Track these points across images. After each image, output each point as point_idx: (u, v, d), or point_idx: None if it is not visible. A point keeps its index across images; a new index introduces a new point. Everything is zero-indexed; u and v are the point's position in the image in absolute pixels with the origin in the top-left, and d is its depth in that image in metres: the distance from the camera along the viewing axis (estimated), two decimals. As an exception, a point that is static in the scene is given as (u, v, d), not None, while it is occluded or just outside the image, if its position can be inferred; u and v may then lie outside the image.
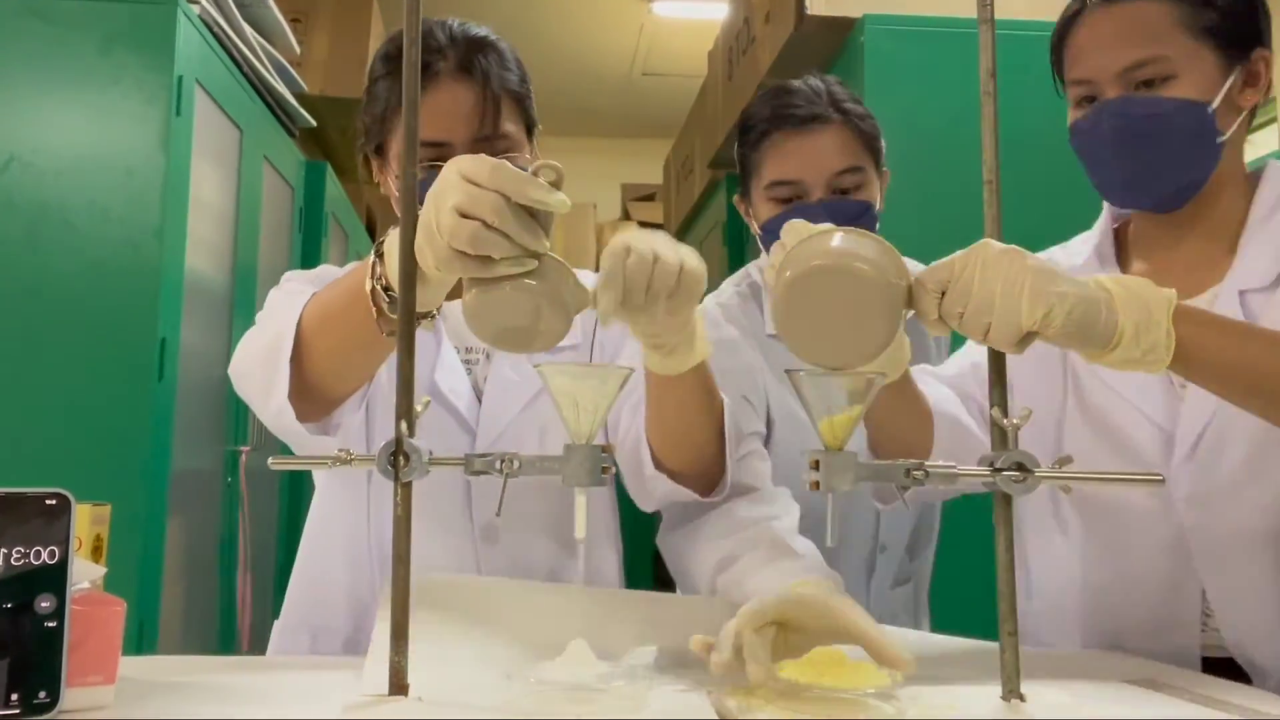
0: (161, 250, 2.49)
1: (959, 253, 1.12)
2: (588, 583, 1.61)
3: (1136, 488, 1.47)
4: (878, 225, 1.77)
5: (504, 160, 1.07)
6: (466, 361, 1.63)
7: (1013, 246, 1.11)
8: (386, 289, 1.20)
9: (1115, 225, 1.66)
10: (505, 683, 1.05)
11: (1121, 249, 1.64)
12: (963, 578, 1.93)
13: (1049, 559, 1.62)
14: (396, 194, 1.58)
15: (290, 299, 1.42)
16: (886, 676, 1.05)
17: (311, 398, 1.37)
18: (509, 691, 1.04)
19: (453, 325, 1.63)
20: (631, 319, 1.21)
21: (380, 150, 1.60)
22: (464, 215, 1.04)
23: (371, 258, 1.23)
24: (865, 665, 1.09)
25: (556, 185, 1.07)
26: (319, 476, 1.67)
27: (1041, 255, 1.15)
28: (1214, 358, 1.21)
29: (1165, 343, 1.16)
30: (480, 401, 1.59)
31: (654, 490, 1.49)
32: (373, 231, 5.46)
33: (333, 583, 1.59)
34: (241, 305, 3.15)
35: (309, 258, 3.90)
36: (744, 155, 1.86)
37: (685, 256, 1.19)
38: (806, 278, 1.09)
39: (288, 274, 1.61)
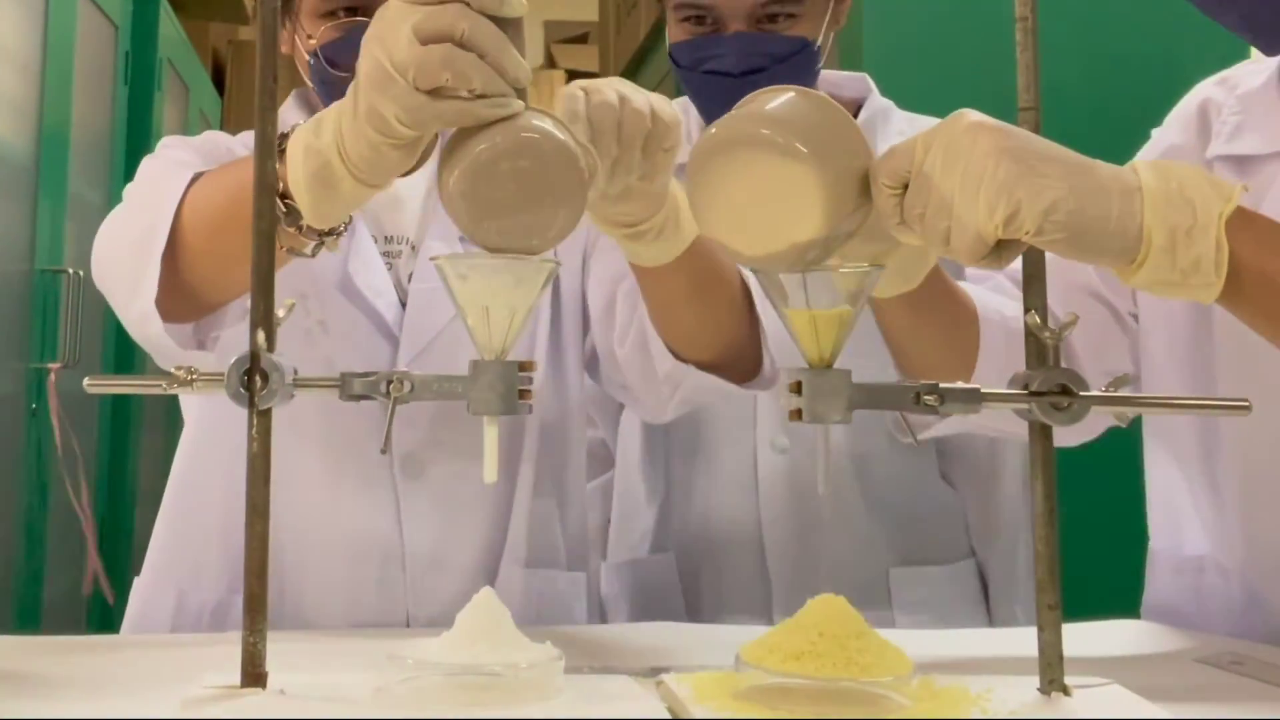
0: (-59, 106, 2.44)
1: (925, 130, 1.07)
2: (531, 559, 1.64)
3: (1222, 416, 1.40)
4: (820, 63, 1.72)
5: None
6: (386, 254, 1.64)
7: (990, 120, 1.05)
8: (284, 196, 1.17)
9: None
10: (386, 665, 1.05)
11: None
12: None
13: (1196, 521, 1.53)
14: (308, 58, 1.59)
15: (169, 174, 1.42)
16: (906, 663, 1.05)
17: (186, 301, 1.38)
18: (385, 677, 1.04)
19: (369, 210, 1.63)
20: (601, 191, 1.20)
21: (287, 5, 1.60)
22: (425, 41, 1.04)
23: None
24: (881, 647, 1.09)
25: None
26: (188, 404, 1.67)
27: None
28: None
29: (1215, 258, 1.06)
30: (405, 305, 1.61)
31: (676, 388, 1.51)
32: (221, 84, 5.39)
33: (204, 534, 1.61)
34: (49, 180, 3.10)
35: (138, 117, 3.85)
36: None
37: (655, 100, 1.20)
38: (707, 150, 1.11)
39: (166, 139, 1.61)
